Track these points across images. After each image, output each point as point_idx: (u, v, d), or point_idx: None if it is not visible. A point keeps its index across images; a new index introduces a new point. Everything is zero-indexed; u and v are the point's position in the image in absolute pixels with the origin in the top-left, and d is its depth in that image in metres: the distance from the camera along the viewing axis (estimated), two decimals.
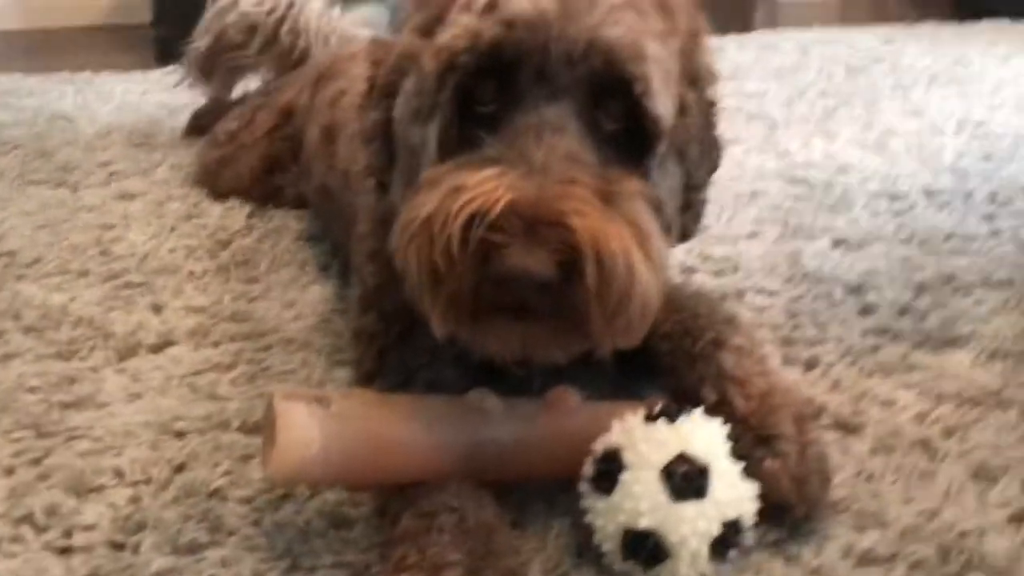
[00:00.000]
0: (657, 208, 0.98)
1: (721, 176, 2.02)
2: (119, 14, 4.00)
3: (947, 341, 1.39)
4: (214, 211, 1.86)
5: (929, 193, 1.98)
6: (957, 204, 1.92)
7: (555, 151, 0.93)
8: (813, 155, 2.22)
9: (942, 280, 1.58)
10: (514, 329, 0.92)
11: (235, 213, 1.85)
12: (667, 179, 1.01)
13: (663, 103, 0.97)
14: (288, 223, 1.81)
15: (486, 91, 0.97)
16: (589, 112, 0.97)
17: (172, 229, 1.78)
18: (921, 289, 1.55)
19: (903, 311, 1.47)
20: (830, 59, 3.25)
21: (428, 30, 1.00)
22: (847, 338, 1.39)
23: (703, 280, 1.57)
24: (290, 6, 2.11)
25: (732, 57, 3.29)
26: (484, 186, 0.89)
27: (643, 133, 0.98)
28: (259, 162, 1.90)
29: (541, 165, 0.91)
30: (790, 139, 2.34)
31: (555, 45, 0.94)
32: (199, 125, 2.32)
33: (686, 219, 1.09)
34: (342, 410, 0.94)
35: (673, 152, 1.02)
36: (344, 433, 0.93)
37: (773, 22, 4.15)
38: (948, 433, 1.17)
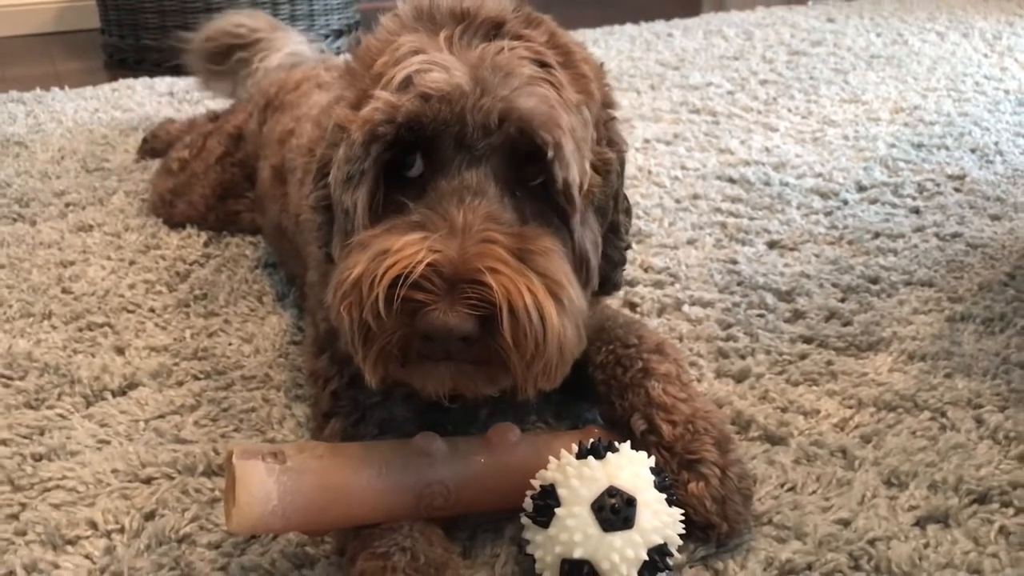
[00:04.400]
0: (579, 261, 1.06)
1: (664, 180, 2.14)
2: (66, 21, 3.99)
3: (870, 345, 1.48)
4: (171, 241, 1.91)
5: (861, 188, 2.08)
6: (887, 198, 2.02)
7: (475, 212, 1.01)
8: (752, 151, 2.30)
9: (867, 281, 1.67)
10: (442, 369, 1.00)
11: (192, 242, 1.91)
12: (589, 233, 1.09)
13: (575, 169, 1.04)
14: (244, 251, 1.87)
15: (412, 159, 1.05)
16: (508, 175, 1.05)
17: (131, 263, 1.83)
18: (848, 291, 1.64)
19: (830, 316, 1.57)
20: (773, 43, 3.34)
21: (357, 104, 1.06)
22: (777, 347, 1.48)
23: (644, 292, 1.65)
24: (256, 42, 2.19)
25: (679, 44, 3.37)
26: (408, 249, 0.97)
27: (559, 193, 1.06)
28: (212, 190, 1.95)
29: (462, 226, 0.99)
30: (731, 135, 2.42)
31: (471, 115, 1.01)
32: (151, 147, 2.37)
33: (611, 270, 1.17)
34: (296, 464, 1.01)
35: (594, 208, 1.10)
36: (299, 486, 1.00)
37: (721, 4, 4.22)
38: (866, 440, 1.27)
